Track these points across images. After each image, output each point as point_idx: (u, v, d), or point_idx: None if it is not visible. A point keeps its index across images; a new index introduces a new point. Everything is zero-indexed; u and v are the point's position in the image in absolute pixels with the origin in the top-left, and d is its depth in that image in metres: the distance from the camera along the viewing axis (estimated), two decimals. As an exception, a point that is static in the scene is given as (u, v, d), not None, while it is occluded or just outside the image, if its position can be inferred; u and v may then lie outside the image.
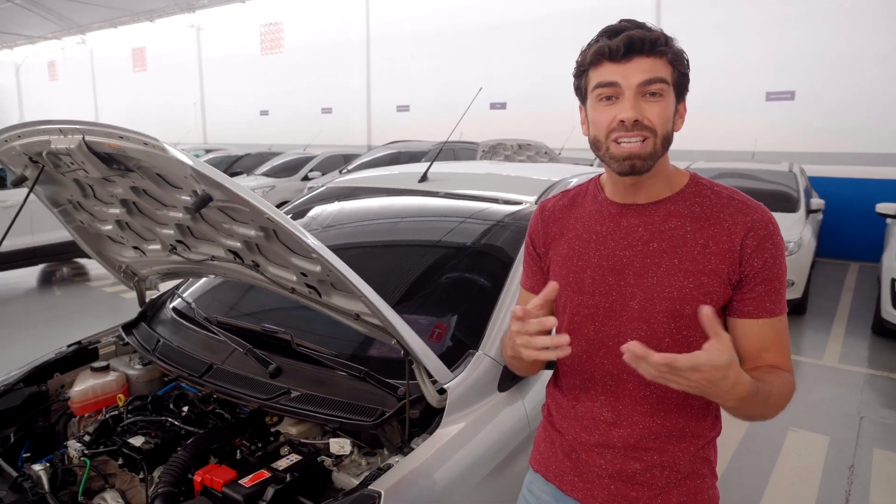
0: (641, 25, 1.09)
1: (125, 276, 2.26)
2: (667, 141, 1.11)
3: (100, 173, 1.52)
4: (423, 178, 2.58)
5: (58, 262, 8.09)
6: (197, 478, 1.53)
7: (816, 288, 6.97)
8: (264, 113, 17.55)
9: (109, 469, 1.77)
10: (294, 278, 1.60)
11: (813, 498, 3.06)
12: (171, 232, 1.80)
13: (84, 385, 2.01)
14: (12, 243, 6.50)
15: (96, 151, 1.45)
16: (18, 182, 1.77)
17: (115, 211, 1.84)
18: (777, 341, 1.13)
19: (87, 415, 2.00)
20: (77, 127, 1.40)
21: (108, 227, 1.98)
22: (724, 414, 1.29)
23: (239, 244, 1.62)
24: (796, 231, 5.90)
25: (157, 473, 1.66)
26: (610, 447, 1.21)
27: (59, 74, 24.89)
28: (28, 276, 7.87)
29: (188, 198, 1.50)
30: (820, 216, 7.21)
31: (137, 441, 1.73)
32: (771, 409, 1.08)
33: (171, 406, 1.95)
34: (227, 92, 18.48)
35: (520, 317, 1.05)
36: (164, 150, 1.21)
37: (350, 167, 10.85)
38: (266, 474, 1.50)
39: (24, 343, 5.24)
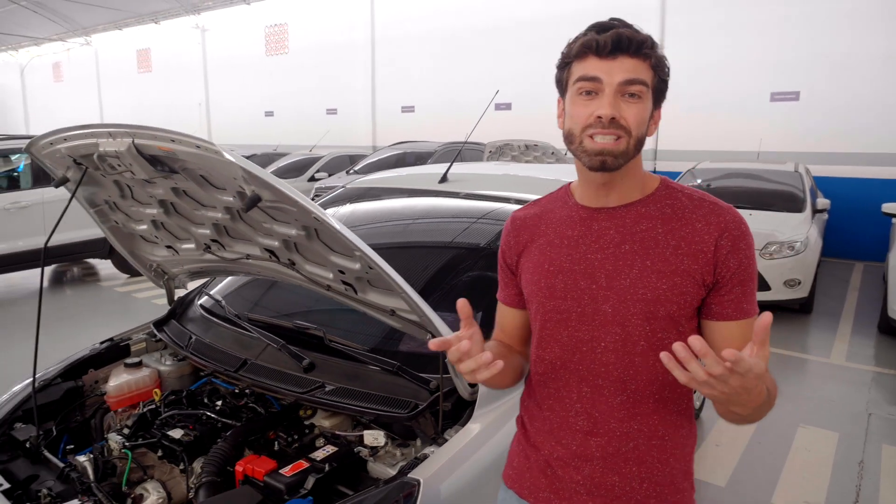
0: (630, 26, 1.11)
1: (155, 274, 2.32)
2: (639, 143, 1.12)
3: (146, 175, 1.58)
4: (444, 178, 2.65)
5: (69, 262, 8.17)
6: (238, 468, 1.59)
7: (822, 287, 7.01)
8: (269, 114, 17.61)
9: (148, 461, 1.83)
10: (331, 276, 1.65)
11: (823, 492, 3.11)
12: (208, 231, 1.85)
13: (119, 380, 2.07)
14: (25, 244, 6.59)
15: (144, 154, 1.51)
16: (61, 183, 1.82)
17: (152, 211, 1.89)
18: None
19: (121, 409, 2.06)
20: (127, 130, 1.46)
21: (143, 227, 2.04)
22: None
23: (277, 243, 1.67)
24: (802, 231, 5.94)
25: (197, 464, 1.71)
26: (587, 459, 1.17)
27: (63, 76, 24.98)
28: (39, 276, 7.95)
29: (231, 198, 1.56)
30: (825, 216, 7.25)
31: (177, 434, 1.79)
32: (769, 410, 1.09)
33: (205, 400, 2.01)
34: (233, 93, 18.53)
35: (437, 349, 1.03)
36: (218, 153, 1.26)
37: (356, 168, 10.90)
38: (305, 464, 1.56)
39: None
